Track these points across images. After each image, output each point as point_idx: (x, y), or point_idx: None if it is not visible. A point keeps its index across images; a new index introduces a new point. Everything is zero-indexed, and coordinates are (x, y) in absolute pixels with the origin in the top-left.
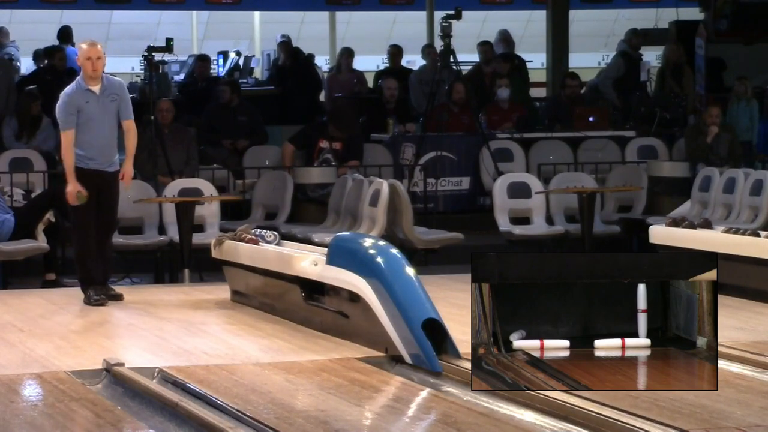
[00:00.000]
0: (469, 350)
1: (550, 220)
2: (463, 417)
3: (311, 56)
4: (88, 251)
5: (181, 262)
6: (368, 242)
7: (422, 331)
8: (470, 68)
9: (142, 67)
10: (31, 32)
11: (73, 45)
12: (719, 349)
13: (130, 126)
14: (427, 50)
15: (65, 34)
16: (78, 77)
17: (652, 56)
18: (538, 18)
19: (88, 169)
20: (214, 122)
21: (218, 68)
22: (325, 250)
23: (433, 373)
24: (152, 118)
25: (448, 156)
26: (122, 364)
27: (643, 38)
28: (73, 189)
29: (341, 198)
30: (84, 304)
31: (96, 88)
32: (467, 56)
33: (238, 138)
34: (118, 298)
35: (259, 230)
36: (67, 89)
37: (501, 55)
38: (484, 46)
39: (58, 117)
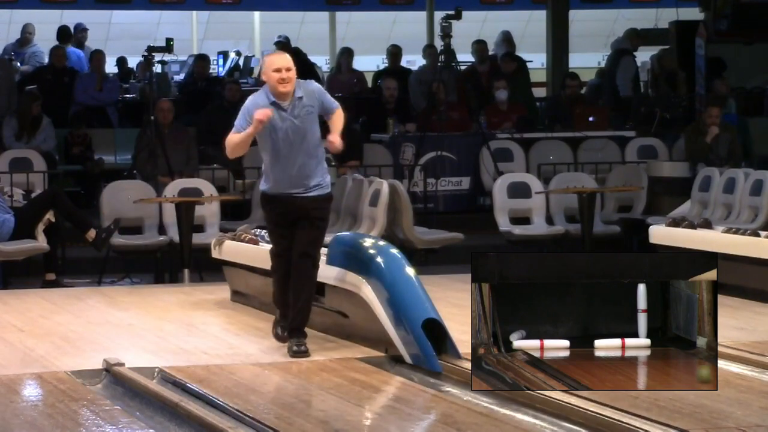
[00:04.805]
0: (469, 350)
1: (550, 220)
2: (463, 417)
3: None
4: (281, 284)
5: (181, 262)
6: (368, 242)
7: (422, 331)
8: (465, 68)
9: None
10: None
11: (78, 46)
12: (719, 349)
13: (337, 113)
14: (428, 50)
15: (64, 34)
16: (264, 87)
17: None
18: (538, 18)
19: (278, 193)
20: (214, 122)
21: (218, 68)
22: (325, 250)
23: (433, 373)
24: (152, 118)
25: (448, 156)
26: (122, 364)
27: (644, 39)
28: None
29: (341, 198)
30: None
31: (286, 104)
32: (467, 56)
33: None
34: (304, 354)
35: (259, 230)
36: (252, 96)
37: (505, 55)
38: (479, 45)
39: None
